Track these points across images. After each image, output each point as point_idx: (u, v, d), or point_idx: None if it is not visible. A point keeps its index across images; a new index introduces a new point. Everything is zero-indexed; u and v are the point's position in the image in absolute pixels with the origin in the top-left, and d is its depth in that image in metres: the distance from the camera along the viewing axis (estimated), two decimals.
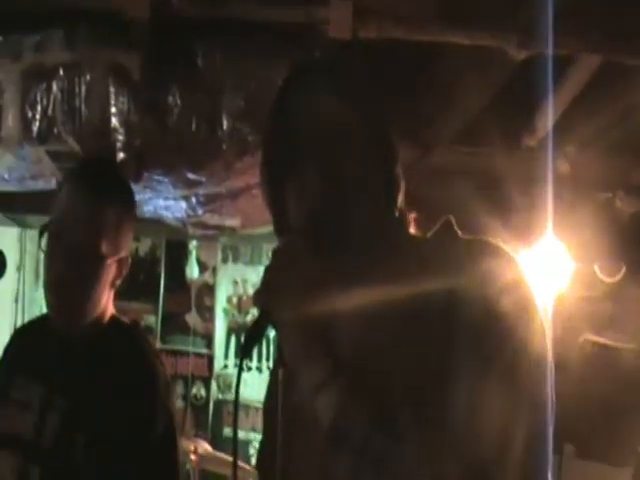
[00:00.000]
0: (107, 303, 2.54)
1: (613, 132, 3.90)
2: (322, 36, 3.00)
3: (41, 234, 2.46)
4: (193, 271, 6.77)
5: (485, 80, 3.27)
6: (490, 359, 1.50)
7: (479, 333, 1.51)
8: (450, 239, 1.68)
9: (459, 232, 1.69)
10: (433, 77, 3.43)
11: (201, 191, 3.64)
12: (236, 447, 1.74)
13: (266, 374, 6.49)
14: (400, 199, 1.68)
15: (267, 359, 6.54)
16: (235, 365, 6.66)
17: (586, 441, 4.91)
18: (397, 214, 1.68)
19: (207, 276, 6.81)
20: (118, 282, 2.53)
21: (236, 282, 6.71)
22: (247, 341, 1.59)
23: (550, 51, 2.96)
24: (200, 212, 3.90)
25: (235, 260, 6.72)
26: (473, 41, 2.93)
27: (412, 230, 1.73)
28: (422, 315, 1.56)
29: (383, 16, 2.90)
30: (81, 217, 2.41)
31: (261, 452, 1.91)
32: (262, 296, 1.56)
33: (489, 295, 1.53)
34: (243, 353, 1.70)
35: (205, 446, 5.19)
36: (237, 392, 1.60)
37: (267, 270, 1.58)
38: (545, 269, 4.75)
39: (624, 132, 3.87)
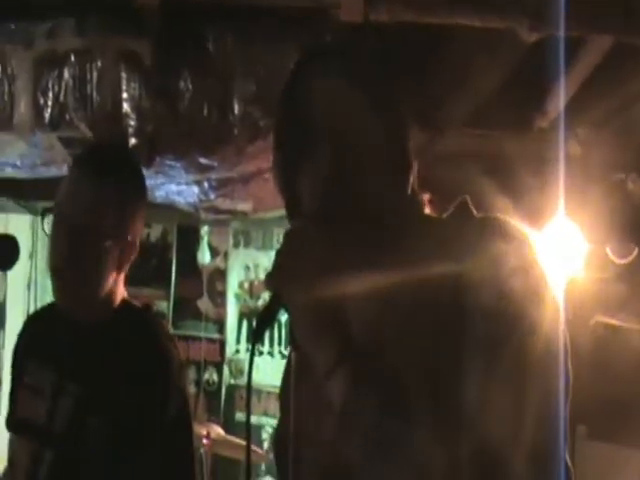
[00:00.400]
0: (115, 287, 2.52)
1: (624, 114, 3.89)
2: (333, 20, 3.00)
3: (42, 216, 2.47)
4: (205, 256, 6.78)
5: (496, 62, 3.27)
6: (501, 343, 1.49)
7: (490, 316, 1.51)
8: (465, 219, 1.67)
9: (474, 212, 1.69)
10: (443, 59, 3.43)
11: (213, 176, 3.65)
12: (249, 431, 1.74)
13: (278, 358, 6.51)
14: (413, 179, 1.68)
15: (279, 344, 6.56)
16: (247, 350, 6.66)
17: (599, 423, 4.91)
18: (410, 194, 1.68)
19: (219, 261, 6.81)
20: (126, 266, 2.53)
21: (248, 267, 6.72)
22: (258, 325, 1.59)
23: (561, 33, 2.96)
24: (212, 197, 3.91)
25: (247, 245, 6.72)
26: (483, 23, 2.93)
27: (427, 211, 1.73)
28: (434, 298, 1.56)
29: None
30: (82, 199, 2.41)
31: (276, 436, 1.92)
32: (274, 280, 1.56)
33: (500, 277, 1.53)
34: (255, 337, 1.69)
35: (218, 430, 5.22)
36: (250, 376, 1.61)
37: (279, 253, 1.59)
38: (557, 251, 4.74)
39: (636, 114, 3.86)
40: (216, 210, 4.09)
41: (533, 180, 4.11)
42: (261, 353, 6.47)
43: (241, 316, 6.73)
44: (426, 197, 1.73)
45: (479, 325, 1.51)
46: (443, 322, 1.53)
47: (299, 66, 1.77)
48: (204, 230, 6.67)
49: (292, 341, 1.61)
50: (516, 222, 1.63)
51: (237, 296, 6.76)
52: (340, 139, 1.62)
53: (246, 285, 6.73)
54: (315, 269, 1.54)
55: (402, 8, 2.90)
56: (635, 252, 5.23)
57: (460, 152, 4.14)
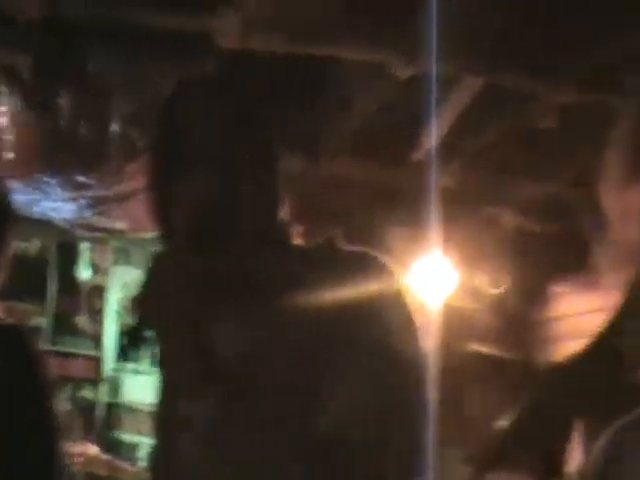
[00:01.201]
0: None
1: (497, 150, 4.01)
2: (213, 45, 3.03)
3: None
4: (84, 273, 6.70)
5: (373, 95, 3.35)
6: (363, 365, 1.54)
7: (353, 340, 1.56)
8: (332, 251, 1.71)
9: (341, 245, 1.73)
10: (324, 90, 3.49)
11: (89, 194, 3.64)
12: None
13: (154, 377, 6.45)
14: (283, 210, 1.71)
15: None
16: (124, 368, 6.60)
17: (470, 447, 5.01)
18: (280, 223, 1.72)
19: (99, 278, 6.75)
20: None
21: (128, 285, 6.67)
22: (124, 345, 1.61)
23: (434, 70, 3.05)
24: (88, 214, 3.89)
25: (127, 263, 6.67)
26: (361, 57, 3.00)
27: (296, 241, 1.76)
28: (301, 321, 1.60)
29: (273, 28, 2.93)
30: None
31: (151, 455, 1.92)
32: (140, 300, 1.58)
33: (366, 306, 1.58)
34: (121, 356, 1.71)
35: (92, 449, 5.16)
36: (116, 395, 1.62)
37: (146, 274, 1.61)
38: (431, 281, 4.85)
39: (507, 151, 3.98)
40: (92, 228, 4.07)
41: (411, 210, 4.20)
42: (137, 372, 6.41)
43: (120, 334, 6.66)
44: (296, 228, 1.77)
45: (342, 348, 1.55)
46: (308, 345, 1.57)
47: (178, 89, 1.79)
48: (84, 246, 6.59)
49: (159, 362, 1.63)
50: (382, 257, 1.68)
51: (116, 313, 6.70)
52: (213, 164, 1.65)
53: (125, 303, 6.67)
54: (181, 291, 1.56)
55: (280, 38, 2.94)
56: (507, 283, 5.38)
57: (344, 181, 4.20)
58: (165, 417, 1.69)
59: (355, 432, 1.53)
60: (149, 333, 1.58)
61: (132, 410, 6.40)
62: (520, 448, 0.84)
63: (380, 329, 1.57)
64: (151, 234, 4.37)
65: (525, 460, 0.82)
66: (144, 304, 1.60)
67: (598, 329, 0.97)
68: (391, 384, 1.55)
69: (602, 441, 1.17)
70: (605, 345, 0.92)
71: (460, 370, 4.99)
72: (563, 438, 0.83)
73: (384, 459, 1.55)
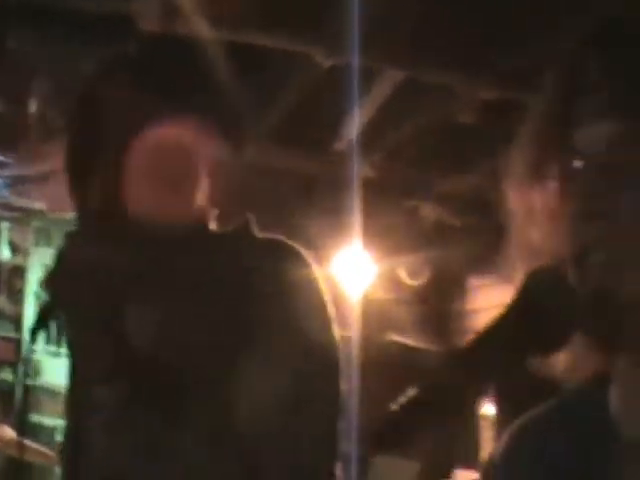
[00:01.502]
0: None
1: (417, 144, 4.07)
2: (135, 27, 3.03)
3: None
4: (4, 253, 6.61)
5: (295, 83, 3.37)
6: (278, 352, 1.56)
7: (267, 326, 1.58)
8: (247, 237, 1.72)
9: (255, 231, 1.74)
10: (246, 75, 3.50)
11: (8, 173, 3.61)
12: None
13: None
14: (201, 195, 1.71)
15: None
16: (43, 350, 6.54)
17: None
18: (198, 207, 1.71)
19: (19, 259, 6.66)
20: None
21: (48, 265, 6.60)
22: (33, 326, 1.59)
23: (355, 62, 3.09)
24: (6, 194, 3.85)
25: (48, 243, 6.60)
26: (281, 45, 3.02)
27: (212, 226, 1.76)
28: (215, 307, 1.61)
29: (193, 13, 2.94)
30: None
31: (63, 440, 1.91)
32: (50, 281, 1.58)
33: (278, 293, 1.59)
34: (31, 338, 1.68)
35: (10, 432, 5.10)
36: (27, 378, 1.62)
37: (57, 255, 1.60)
38: (351, 272, 4.90)
39: (427, 144, 4.04)
40: (11, 207, 4.04)
41: (332, 200, 4.24)
42: (56, 354, 6.36)
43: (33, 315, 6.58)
44: (214, 212, 1.78)
45: (257, 336, 1.57)
46: (222, 331, 1.58)
47: (97, 71, 1.78)
48: (4, 226, 6.50)
49: (69, 346, 1.63)
50: (297, 245, 1.70)
51: (37, 295, 6.62)
52: (129, 146, 1.65)
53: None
54: (92, 275, 1.55)
55: (201, 22, 2.95)
56: (427, 275, 5.46)
57: (266, 168, 4.21)
58: (77, 400, 1.69)
59: (269, 419, 1.54)
60: (60, 314, 1.57)
61: (52, 393, 6.35)
62: (409, 429, 0.87)
63: (294, 316, 1.59)
64: (72, 215, 4.34)
65: (416, 441, 0.84)
66: (54, 285, 1.59)
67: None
68: (306, 372, 1.57)
69: (506, 434, 1.20)
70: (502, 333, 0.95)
71: (380, 360, 5.05)
72: (451, 423, 0.86)
73: (299, 446, 1.55)
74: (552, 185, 1.03)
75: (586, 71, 0.99)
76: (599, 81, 0.98)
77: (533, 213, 1.06)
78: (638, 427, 0.99)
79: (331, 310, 1.64)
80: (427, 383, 0.88)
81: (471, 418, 4.81)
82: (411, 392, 0.86)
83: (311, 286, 1.65)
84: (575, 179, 0.99)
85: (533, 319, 0.89)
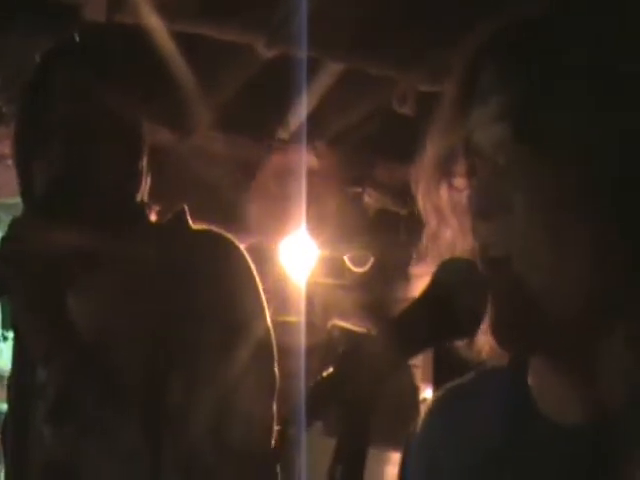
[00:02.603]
0: None
1: (359, 131, 4.13)
2: (80, 16, 3.05)
3: None
4: None
5: (238, 72, 3.41)
6: (213, 346, 1.61)
7: (206, 318, 1.62)
8: (181, 229, 1.76)
9: (190, 222, 1.78)
10: (190, 64, 3.53)
11: None
12: None
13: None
14: (141, 190, 1.75)
15: None
16: None
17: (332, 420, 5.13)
18: (137, 203, 1.75)
19: None
20: None
21: None
22: None
23: (295, 53, 3.15)
24: None
25: None
26: (223, 35, 3.07)
27: (152, 218, 1.79)
28: (155, 298, 1.65)
29: (139, 2, 2.97)
30: None
31: (3, 425, 1.93)
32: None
33: (209, 281, 1.65)
34: None
35: None
36: None
37: (3, 239, 1.63)
38: (296, 258, 4.96)
39: (369, 132, 4.10)
40: None
41: (275, 189, 4.29)
42: (5, 338, 6.33)
43: None
44: (154, 207, 1.82)
45: (196, 328, 1.61)
46: (161, 322, 1.62)
47: (44, 59, 1.81)
48: None
49: (14, 331, 1.66)
50: (228, 235, 1.75)
51: None
52: (75, 135, 1.69)
53: None
54: (37, 256, 1.58)
55: (146, 12, 2.98)
56: (371, 261, 5.53)
57: (209, 155, 4.24)
58: (20, 384, 1.72)
59: (204, 404, 1.58)
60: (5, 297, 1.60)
61: (1, 378, 6.32)
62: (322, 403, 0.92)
63: (224, 303, 1.64)
64: (19, 200, 4.34)
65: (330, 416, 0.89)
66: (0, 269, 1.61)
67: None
68: (238, 357, 1.61)
69: (429, 406, 1.23)
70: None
71: (322, 344, 5.09)
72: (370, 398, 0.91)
73: (234, 432, 1.59)
74: (457, 182, 1.07)
75: (485, 73, 1.01)
76: (496, 84, 1.00)
77: (441, 209, 1.08)
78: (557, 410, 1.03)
79: (261, 298, 1.69)
80: (345, 359, 0.93)
81: (410, 402, 4.90)
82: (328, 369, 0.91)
83: (241, 274, 1.69)
84: (474, 178, 1.03)
85: (441, 307, 0.94)
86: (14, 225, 1.64)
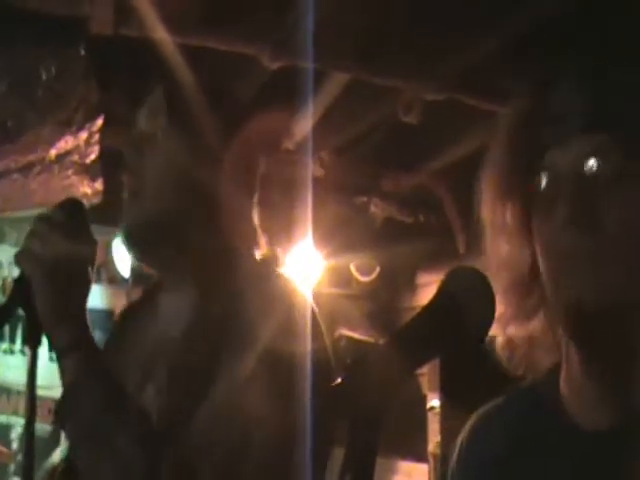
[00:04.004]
0: None
1: (365, 142, 4.14)
2: (86, 30, 3.07)
3: None
4: None
5: (242, 83, 3.43)
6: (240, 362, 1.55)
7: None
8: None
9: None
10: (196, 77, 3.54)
11: None
12: None
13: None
14: None
15: None
16: None
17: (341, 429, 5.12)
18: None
19: None
20: None
21: (1, 264, 6.59)
22: (1, 309, 1.56)
23: (302, 64, 3.17)
24: None
25: (1, 241, 6.58)
26: (229, 47, 3.08)
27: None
28: (194, 315, 1.63)
29: (145, 15, 2.98)
30: None
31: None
32: (22, 256, 1.58)
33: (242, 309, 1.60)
34: None
35: None
36: None
37: (29, 233, 1.61)
38: (302, 268, 4.96)
39: (375, 142, 4.11)
40: None
41: (280, 199, 4.30)
42: (12, 351, 6.35)
43: None
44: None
45: (225, 348, 1.56)
46: (193, 341, 1.60)
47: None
48: None
49: (29, 337, 1.65)
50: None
51: None
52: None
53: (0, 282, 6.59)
54: (58, 253, 1.55)
55: (153, 25, 2.99)
56: (377, 271, 5.54)
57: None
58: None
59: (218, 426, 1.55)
60: (18, 312, 1.59)
61: (6, 390, 6.34)
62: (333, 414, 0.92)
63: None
64: (25, 214, 4.36)
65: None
66: (22, 259, 1.60)
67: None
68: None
69: (465, 427, 1.25)
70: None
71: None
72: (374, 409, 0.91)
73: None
74: (521, 201, 1.07)
75: (558, 89, 1.02)
76: (574, 98, 1.01)
77: (503, 226, 1.10)
78: (589, 417, 1.06)
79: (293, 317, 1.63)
80: (353, 371, 0.93)
81: (418, 411, 4.91)
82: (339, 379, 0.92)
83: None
84: (544, 196, 1.04)
85: (449, 316, 0.94)
86: (39, 221, 1.61)
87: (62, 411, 1.59)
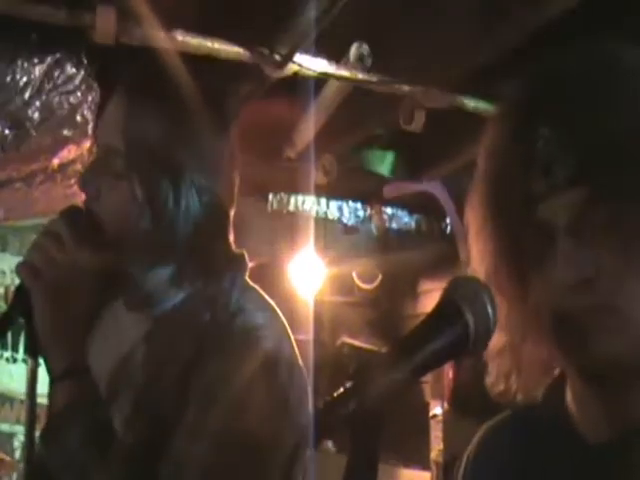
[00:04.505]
0: None
1: (365, 150, 4.15)
2: (89, 39, 3.07)
3: None
4: None
5: (243, 92, 3.43)
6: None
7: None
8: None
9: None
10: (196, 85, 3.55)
11: None
12: None
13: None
14: None
15: None
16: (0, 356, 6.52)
17: (345, 437, 5.12)
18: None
19: None
20: None
21: (4, 272, 6.58)
22: (2, 317, 1.57)
23: (306, 72, 3.18)
24: None
25: (4, 250, 6.58)
26: (232, 56, 3.09)
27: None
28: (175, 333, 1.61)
29: (147, 25, 2.99)
30: None
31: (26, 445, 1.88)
32: (23, 268, 1.57)
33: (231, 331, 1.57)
34: None
35: None
36: None
37: (32, 246, 1.60)
38: (304, 276, 4.97)
39: (376, 150, 4.12)
40: None
41: (284, 207, 4.31)
42: (15, 360, 6.35)
43: None
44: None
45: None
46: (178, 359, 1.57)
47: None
48: None
49: (30, 347, 1.64)
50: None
51: None
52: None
53: (1, 290, 6.58)
54: (64, 270, 1.55)
55: (154, 35, 3.00)
56: (379, 278, 5.54)
57: None
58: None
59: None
60: (20, 320, 1.58)
61: (8, 399, 6.33)
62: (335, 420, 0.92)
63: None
64: (28, 223, 4.37)
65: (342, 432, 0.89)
66: (26, 274, 1.59)
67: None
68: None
69: (473, 441, 1.25)
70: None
71: (331, 361, 5.10)
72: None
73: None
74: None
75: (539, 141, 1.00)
76: (557, 149, 0.99)
77: (489, 253, 1.08)
78: (592, 430, 1.06)
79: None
80: (356, 379, 0.93)
81: (420, 418, 4.90)
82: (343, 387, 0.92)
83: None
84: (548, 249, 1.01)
85: (451, 324, 0.94)
86: (44, 233, 1.60)
87: (46, 438, 1.58)
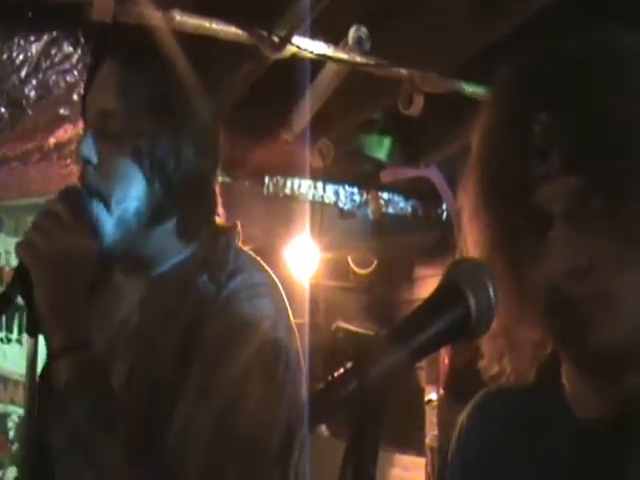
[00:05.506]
0: None
1: (362, 134, 4.14)
2: (86, 17, 3.04)
3: None
4: None
5: (241, 74, 3.42)
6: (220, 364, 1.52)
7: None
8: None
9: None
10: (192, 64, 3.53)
11: None
12: None
13: (27, 346, 6.36)
14: None
15: None
16: None
17: (339, 421, 5.14)
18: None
19: None
20: None
21: (1, 253, 6.57)
22: (1, 297, 1.54)
23: (303, 55, 3.17)
24: None
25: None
26: (229, 37, 3.07)
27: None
28: (170, 320, 1.61)
29: (144, 3, 2.97)
30: None
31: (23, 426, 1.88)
32: (23, 247, 1.56)
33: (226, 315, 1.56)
34: None
35: None
36: None
37: (31, 226, 1.58)
38: (300, 261, 4.97)
39: (374, 134, 4.11)
40: None
41: (282, 189, 4.30)
42: (9, 340, 6.34)
43: None
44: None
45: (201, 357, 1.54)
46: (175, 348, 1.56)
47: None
48: None
49: (29, 326, 1.63)
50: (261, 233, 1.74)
51: None
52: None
53: None
54: (62, 249, 1.54)
55: (151, 13, 2.98)
56: (374, 264, 5.54)
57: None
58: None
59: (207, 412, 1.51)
60: (17, 301, 1.57)
61: (2, 379, 6.33)
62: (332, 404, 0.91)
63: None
64: (22, 202, 4.35)
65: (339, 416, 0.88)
66: (25, 252, 1.58)
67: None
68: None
69: (467, 407, 1.26)
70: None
71: (326, 345, 5.11)
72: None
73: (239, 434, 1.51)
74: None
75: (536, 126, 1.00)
76: (552, 135, 0.99)
77: (482, 239, 1.09)
78: (583, 405, 1.08)
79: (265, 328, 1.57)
80: (356, 361, 0.92)
81: (416, 404, 4.91)
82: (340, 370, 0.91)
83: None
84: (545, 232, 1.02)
85: (451, 307, 0.93)
86: (42, 214, 1.59)
87: (48, 416, 1.57)
